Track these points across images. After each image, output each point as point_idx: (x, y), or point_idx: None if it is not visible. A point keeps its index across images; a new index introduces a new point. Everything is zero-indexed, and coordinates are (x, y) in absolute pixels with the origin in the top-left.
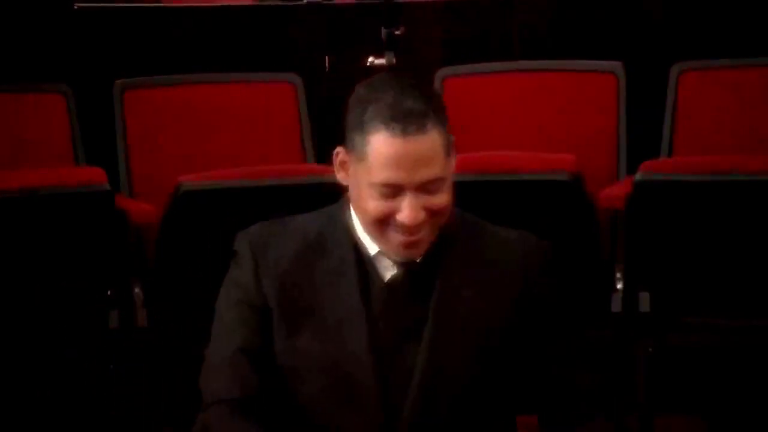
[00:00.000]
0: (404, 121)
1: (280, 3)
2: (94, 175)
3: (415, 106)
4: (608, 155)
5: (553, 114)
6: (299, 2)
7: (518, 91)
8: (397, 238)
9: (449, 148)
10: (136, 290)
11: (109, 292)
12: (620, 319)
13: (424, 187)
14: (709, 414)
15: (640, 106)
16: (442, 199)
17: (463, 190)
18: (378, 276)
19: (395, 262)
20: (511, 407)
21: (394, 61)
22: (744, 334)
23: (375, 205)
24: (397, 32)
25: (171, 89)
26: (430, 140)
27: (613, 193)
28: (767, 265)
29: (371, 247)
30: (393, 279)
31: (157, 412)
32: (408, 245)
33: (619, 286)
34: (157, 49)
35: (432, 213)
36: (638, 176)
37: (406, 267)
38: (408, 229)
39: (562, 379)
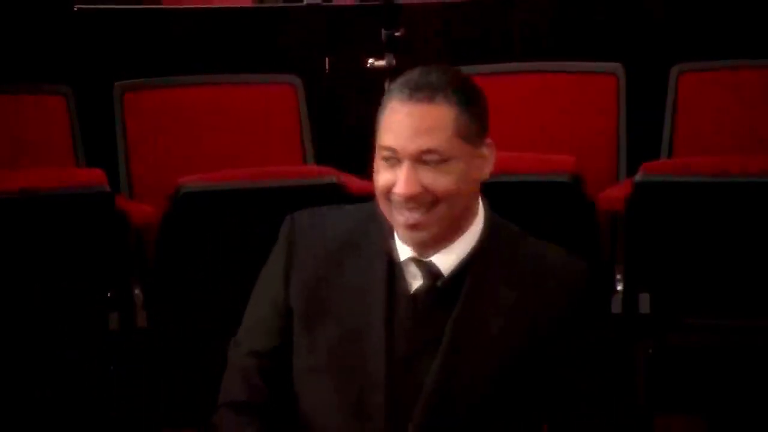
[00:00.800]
0: (415, 88)
1: (279, 4)
2: (94, 177)
3: (433, 80)
4: (608, 156)
5: (554, 115)
6: (299, 4)
7: (518, 92)
8: (400, 217)
9: (471, 136)
10: (136, 291)
11: (109, 294)
12: (620, 320)
13: (421, 159)
14: (709, 414)
15: (641, 107)
16: (444, 180)
17: None
18: (405, 284)
19: (423, 272)
20: None
21: (394, 62)
22: (744, 334)
23: (380, 176)
24: (396, 33)
25: (171, 90)
26: (437, 111)
27: (613, 194)
28: (767, 266)
29: (402, 252)
30: (418, 290)
31: (157, 412)
32: (410, 227)
33: (619, 287)
34: (157, 51)
35: (431, 193)
36: (638, 177)
37: (433, 279)
38: (402, 202)
39: (591, 418)
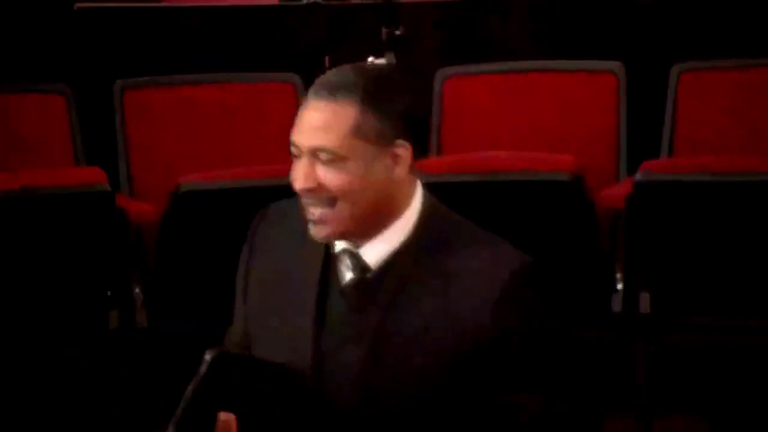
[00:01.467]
0: (322, 85)
1: (280, 3)
2: (94, 176)
3: (342, 78)
4: (608, 155)
5: (554, 114)
6: (299, 2)
7: (518, 91)
8: (305, 212)
9: (375, 137)
10: (136, 290)
11: (108, 292)
12: (620, 320)
13: (317, 155)
14: (709, 414)
15: (641, 106)
16: (337, 179)
17: (463, 191)
18: (337, 276)
19: (353, 264)
20: None
21: (394, 61)
22: (744, 334)
23: (292, 170)
24: (397, 32)
25: (171, 89)
26: (335, 110)
27: (614, 193)
28: (767, 266)
29: (339, 244)
30: (348, 284)
31: (157, 412)
32: (312, 222)
33: (620, 286)
34: (157, 49)
35: (326, 190)
36: (638, 176)
37: (363, 271)
38: (300, 193)
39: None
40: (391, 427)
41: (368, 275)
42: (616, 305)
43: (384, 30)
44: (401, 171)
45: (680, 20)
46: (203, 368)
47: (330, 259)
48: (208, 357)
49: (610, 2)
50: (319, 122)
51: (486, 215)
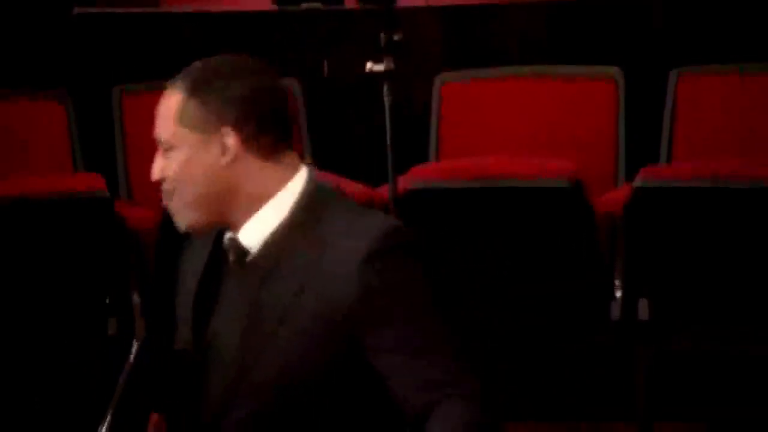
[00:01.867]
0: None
1: (279, 8)
2: (93, 182)
3: (183, 70)
4: (607, 160)
5: (552, 119)
6: (298, 7)
7: (517, 96)
8: None
9: (199, 125)
10: (135, 297)
11: (107, 299)
12: (619, 326)
13: (160, 145)
14: (708, 420)
15: (639, 111)
16: (168, 168)
17: (462, 197)
18: (225, 260)
19: (233, 249)
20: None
21: (393, 66)
22: (743, 340)
23: None
24: (396, 37)
25: None
26: (167, 101)
27: (612, 198)
28: (766, 272)
29: (227, 233)
30: (230, 267)
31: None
32: (171, 214)
33: (618, 293)
34: (155, 55)
35: (165, 181)
36: (637, 182)
37: (241, 255)
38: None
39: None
40: (273, 398)
41: (247, 259)
42: (615, 312)
43: (383, 35)
44: (228, 158)
45: (678, 25)
46: (132, 356)
47: (219, 247)
48: (135, 345)
49: (609, 6)
50: (157, 113)
51: (485, 221)
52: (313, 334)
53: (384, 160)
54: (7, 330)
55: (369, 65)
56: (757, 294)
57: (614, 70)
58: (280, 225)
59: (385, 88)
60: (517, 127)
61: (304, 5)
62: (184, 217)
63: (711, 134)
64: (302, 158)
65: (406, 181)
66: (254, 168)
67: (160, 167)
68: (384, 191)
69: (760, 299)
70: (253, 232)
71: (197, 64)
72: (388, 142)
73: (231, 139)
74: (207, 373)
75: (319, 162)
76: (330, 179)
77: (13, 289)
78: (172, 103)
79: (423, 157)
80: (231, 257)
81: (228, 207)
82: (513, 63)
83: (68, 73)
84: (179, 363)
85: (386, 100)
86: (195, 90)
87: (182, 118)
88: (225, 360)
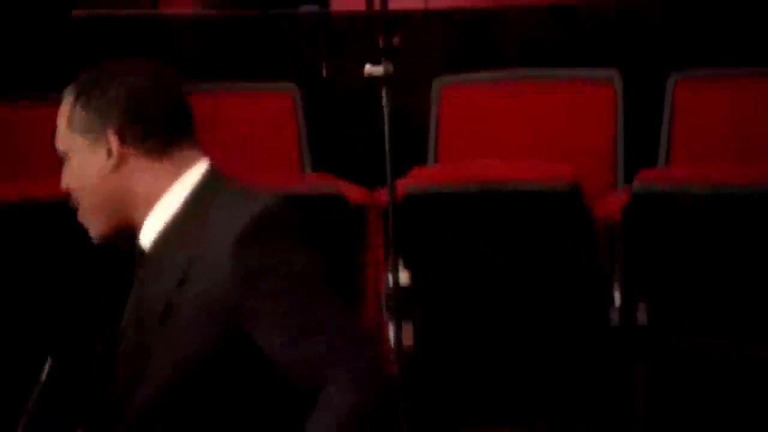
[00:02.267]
0: None
1: (277, 12)
2: None
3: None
4: (605, 165)
5: (551, 123)
6: (297, 11)
7: (516, 100)
8: None
9: (86, 130)
10: None
11: (107, 303)
12: (618, 332)
13: (61, 156)
14: (707, 427)
15: (638, 115)
16: (66, 176)
17: (460, 201)
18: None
19: (136, 251)
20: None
21: (391, 69)
22: (742, 345)
23: None
24: (394, 41)
25: None
26: (60, 109)
27: (611, 203)
28: (766, 277)
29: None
30: (137, 266)
31: None
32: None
33: (617, 298)
34: (154, 59)
35: (70, 190)
36: (635, 186)
37: (140, 254)
38: None
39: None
40: (169, 392)
41: (145, 254)
42: (614, 317)
43: (381, 38)
44: (113, 161)
45: (677, 29)
46: (44, 373)
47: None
48: (48, 363)
49: (607, 10)
50: (56, 124)
51: (483, 225)
52: (197, 323)
53: (383, 163)
54: (6, 330)
55: (368, 69)
56: (757, 298)
57: (613, 74)
58: (170, 219)
59: (384, 91)
60: (515, 130)
61: (304, 8)
62: (91, 227)
63: (710, 138)
64: (202, 152)
65: (404, 185)
66: (144, 168)
67: (64, 179)
68: (383, 195)
69: (760, 304)
70: (149, 231)
71: (87, 70)
72: (387, 145)
73: (116, 142)
74: (113, 375)
75: (318, 166)
76: (329, 182)
77: (14, 291)
78: (63, 110)
79: (422, 161)
80: (137, 258)
81: (128, 210)
82: (512, 67)
83: (66, 76)
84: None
85: (385, 103)
86: (80, 94)
87: (72, 124)
88: (126, 359)
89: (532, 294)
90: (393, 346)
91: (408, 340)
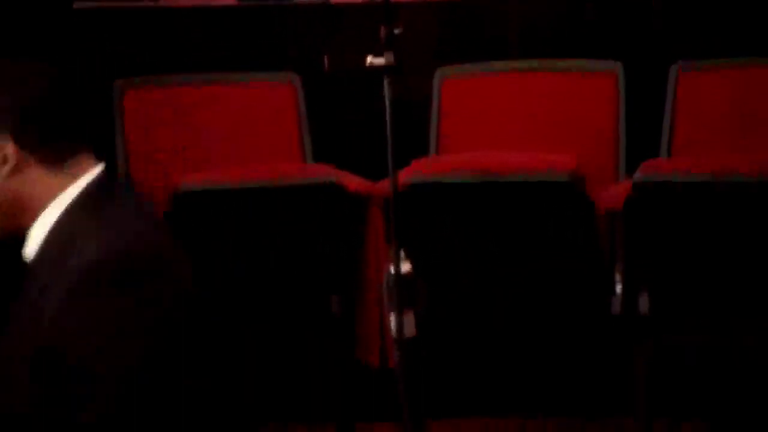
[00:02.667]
0: None
1: (278, 1)
2: None
3: None
4: (607, 155)
5: (552, 114)
6: (298, 1)
7: (517, 91)
8: None
9: None
10: None
11: None
12: (620, 321)
13: None
14: (709, 415)
15: (640, 106)
16: None
17: (461, 192)
18: None
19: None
20: None
21: (393, 60)
22: (744, 334)
23: None
24: (396, 31)
25: (170, 89)
26: None
27: (613, 193)
28: (767, 266)
29: None
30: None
31: None
32: None
33: (619, 288)
34: (156, 49)
35: None
36: (637, 177)
37: (24, 263)
38: None
39: None
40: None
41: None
42: (616, 307)
43: (383, 29)
44: (8, 168)
45: (679, 20)
46: None
47: None
48: None
49: (609, 2)
50: None
51: (485, 215)
52: (27, 353)
53: (384, 154)
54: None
55: (369, 59)
56: (758, 288)
57: (615, 65)
58: (50, 229)
59: (386, 82)
60: (517, 121)
61: None
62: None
63: (711, 129)
64: (99, 159)
65: (406, 176)
66: (38, 176)
67: None
68: (384, 185)
69: (761, 293)
70: (33, 241)
71: None
72: (389, 136)
73: (10, 149)
74: None
75: (319, 156)
76: (330, 173)
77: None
78: None
79: (423, 152)
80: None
81: (19, 217)
82: (513, 57)
83: (68, 67)
84: None
85: (387, 94)
86: None
87: None
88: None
89: (534, 284)
90: (395, 335)
91: (410, 330)
